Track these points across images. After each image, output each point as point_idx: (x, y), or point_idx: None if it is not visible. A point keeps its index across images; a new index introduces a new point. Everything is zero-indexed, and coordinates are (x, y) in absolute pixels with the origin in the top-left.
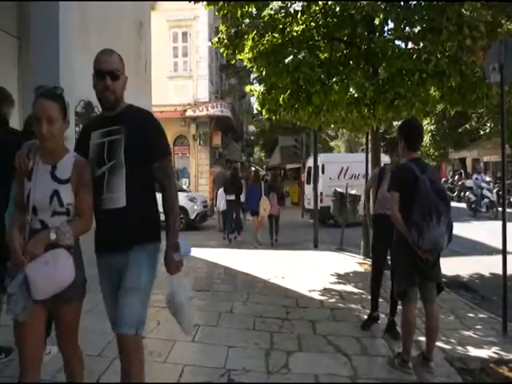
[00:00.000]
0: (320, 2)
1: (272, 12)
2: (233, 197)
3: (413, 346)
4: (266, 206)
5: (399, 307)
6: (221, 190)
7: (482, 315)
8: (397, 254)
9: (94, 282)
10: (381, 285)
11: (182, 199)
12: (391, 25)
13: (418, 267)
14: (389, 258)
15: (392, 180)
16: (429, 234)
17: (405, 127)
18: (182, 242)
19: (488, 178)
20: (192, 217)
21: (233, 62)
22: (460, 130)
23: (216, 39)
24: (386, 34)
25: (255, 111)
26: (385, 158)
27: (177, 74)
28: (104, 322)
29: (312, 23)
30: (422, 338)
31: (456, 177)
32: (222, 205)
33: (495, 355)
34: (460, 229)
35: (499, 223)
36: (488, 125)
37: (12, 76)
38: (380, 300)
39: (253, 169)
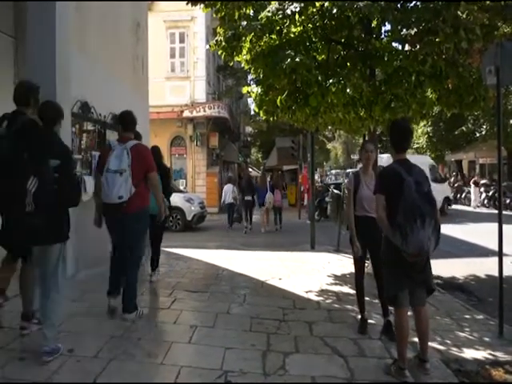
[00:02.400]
0: (317, 4)
1: (269, 14)
2: (250, 197)
3: (408, 348)
4: (270, 200)
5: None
6: (226, 187)
7: (478, 317)
8: (385, 258)
9: (92, 283)
10: (363, 285)
11: (179, 200)
12: (388, 27)
13: (407, 271)
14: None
15: (378, 182)
16: (412, 237)
17: (391, 128)
18: None
19: (484, 181)
20: (189, 218)
21: (230, 63)
22: (456, 132)
23: (214, 42)
24: (383, 35)
25: (252, 112)
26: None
27: (174, 75)
28: (100, 323)
29: (309, 25)
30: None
31: (452, 178)
32: (227, 199)
33: (491, 357)
34: (456, 230)
35: (495, 225)
36: (484, 127)
37: (8, 75)
38: (375, 301)
39: (249, 170)
